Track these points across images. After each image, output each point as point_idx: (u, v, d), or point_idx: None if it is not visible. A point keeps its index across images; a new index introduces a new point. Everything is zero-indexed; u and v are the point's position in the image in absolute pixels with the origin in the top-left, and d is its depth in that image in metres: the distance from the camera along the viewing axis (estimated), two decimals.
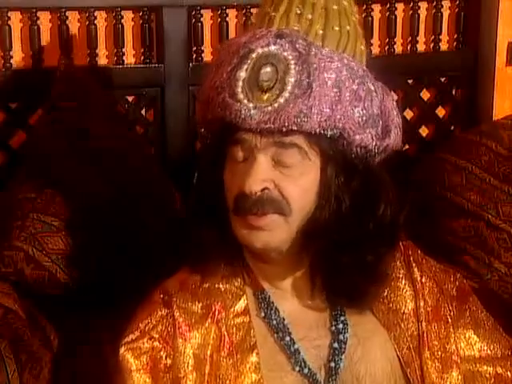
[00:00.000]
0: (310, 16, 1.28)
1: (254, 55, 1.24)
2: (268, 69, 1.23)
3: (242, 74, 1.24)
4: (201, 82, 2.14)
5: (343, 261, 1.29)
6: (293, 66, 1.23)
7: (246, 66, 1.24)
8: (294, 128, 1.22)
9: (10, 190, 1.88)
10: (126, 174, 1.88)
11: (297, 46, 1.24)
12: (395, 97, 1.35)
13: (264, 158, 1.25)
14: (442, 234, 2.07)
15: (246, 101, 1.23)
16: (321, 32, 1.27)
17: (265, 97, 1.23)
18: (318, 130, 1.23)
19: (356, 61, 1.29)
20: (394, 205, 1.31)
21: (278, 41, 1.24)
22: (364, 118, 1.26)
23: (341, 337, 1.33)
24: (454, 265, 1.94)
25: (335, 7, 1.30)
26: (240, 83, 1.24)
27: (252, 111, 1.23)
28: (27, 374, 1.60)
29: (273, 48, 1.24)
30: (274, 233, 1.27)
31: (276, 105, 1.22)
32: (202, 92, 1.33)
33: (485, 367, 1.39)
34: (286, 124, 1.22)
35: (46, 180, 1.83)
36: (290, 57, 1.24)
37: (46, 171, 1.84)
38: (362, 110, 1.26)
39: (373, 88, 1.28)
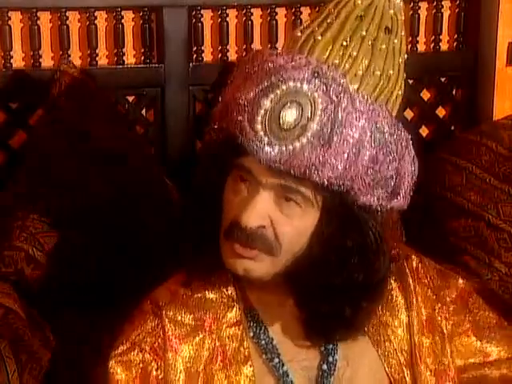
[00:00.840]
0: (354, 53, 1.24)
1: (284, 87, 1.20)
2: (293, 110, 1.19)
3: (267, 103, 1.20)
4: (201, 82, 2.17)
5: (321, 308, 1.28)
6: (319, 113, 1.19)
7: (272, 96, 1.20)
8: (303, 176, 1.20)
9: (9, 189, 1.88)
10: (126, 174, 1.88)
11: (330, 91, 1.20)
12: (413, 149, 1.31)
13: (267, 194, 1.23)
14: (442, 234, 2.07)
15: (262, 133, 1.20)
16: (360, 73, 1.23)
17: (283, 135, 1.19)
18: (326, 184, 1.20)
19: (386, 113, 1.25)
20: (384, 265, 1.29)
21: (313, 80, 1.20)
22: (376, 180, 1.23)
23: (330, 358, 1.32)
24: (454, 265, 1.94)
25: (383, 46, 1.26)
26: (262, 112, 1.20)
27: (266, 147, 1.20)
28: (27, 375, 1.60)
29: (305, 87, 1.19)
30: (258, 264, 1.26)
31: (291, 147, 1.19)
32: (225, 94, 1.30)
33: (490, 370, 1.38)
34: (297, 171, 1.19)
35: (46, 180, 1.82)
36: (320, 100, 1.19)
37: (46, 171, 1.84)
38: (375, 172, 1.22)
39: (394, 148, 1.24)
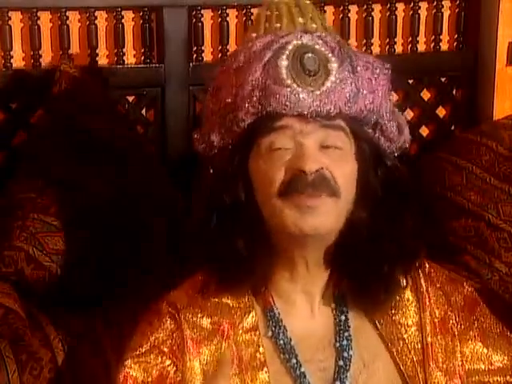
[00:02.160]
0: (314, 25, 1.32)
1: (290, 46, 1.26)
2: (310, 55, 1.25)
3: (284, 62, 1.25)
4: (201, 81, 2.17)
5: (375, 254, 1.30)
6: (330, 55, 1.26)
7: (285, 56, 1.25)
8: (344, 111, 1.25)
9: (10, 189, 1.88)
10: (127, 174, 1.88)
11: (327, 40, 1.28)
12: (395, 97, 1.39)
13: (312, 142, 1.26)
14: (442, 233, 2.07)
15: (294, 85, 1.24)
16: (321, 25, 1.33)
17: (312, 81, 1.25)
18: (362, 114, 1.27)
19: None
20: (413, 218, 1.33)
21: (307, 35, 1.27)
22: (392, 108, 1.31)
23: (345, 354, 1.32)
24: (454, 265, 1.94)
25: (327, 24, 1.36)
26: (284, 70, 1.25)
27: (302, 95, 1.24)
28: (27, 374, 1.60)
29: (306, 40, 1.27)
30: (325, 216, 1.26)
31: (324, 88, 1.24)
32: (217, 99, 1.32)
33: (495, 378, 1.39)
34: (337, 106, 1.25)
35: (46, 180, 1.82)
36: (323, 48, 1.26)
37: (46, 171, 1.84)
38: (390, 101, 1.31)
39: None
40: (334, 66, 1.25)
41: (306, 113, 1.24)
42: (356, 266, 1.30)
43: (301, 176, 1.24)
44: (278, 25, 1.31)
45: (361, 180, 1.29)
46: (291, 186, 1.25)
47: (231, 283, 1.33)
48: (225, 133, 1.32)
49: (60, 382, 1.64)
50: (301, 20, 1.31)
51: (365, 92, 1.26)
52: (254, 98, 1.26)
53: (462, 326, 1.39)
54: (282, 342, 1.32)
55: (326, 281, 1.33)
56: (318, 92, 1.24)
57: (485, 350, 1.39)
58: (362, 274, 1.30)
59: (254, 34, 1.34)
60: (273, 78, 1.25)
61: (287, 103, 1.24)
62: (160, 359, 1.32)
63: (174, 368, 1.32)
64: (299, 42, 1.26)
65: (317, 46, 1.26)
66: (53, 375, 1.64)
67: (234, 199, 1.30)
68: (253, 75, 1.26)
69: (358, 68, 1.27)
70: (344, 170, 1.27)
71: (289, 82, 1.24)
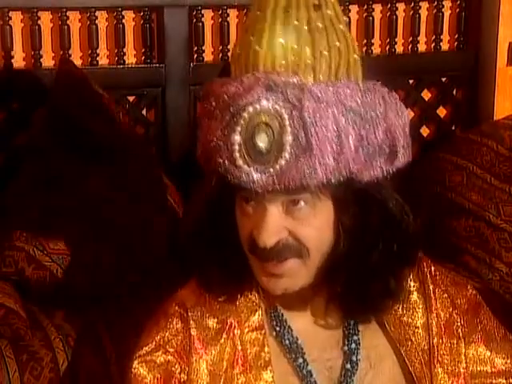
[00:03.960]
0: (295, 46, 1.21)
1: (245, 114, 1.19)
2: (263, 134, 1.18)
3: (237, 138, 1.19)
4: (202, 81, 2.16)
5: (366, 289, 1.27)
6: (288, 123, 1.18)
7: (239, 128, 1.19)
8: (300, 186, 1.19)
9: (10, 189, 1.88)
10: (127, 174, 1.88)
11: (289, 97, 1.18)
12: (396, 96, 1.30)
13: (275, 207, 1.22)
14: (442, 233, 2.07)
15: (246, 166, 1.19)
16: (309, 62, 1.21)
17: (264, 159, 1.19)
18: (325, 182, 1.19)
19: (351, 86, 1.22)
20: (412, 225, 1.28)
21: (269, 95, 1.18)
22: (369, 154, 1.22)
23: (353, 358, 1.31)
24: (455, 265, 1.95)
25: (320, 25, 1.23)
26: (236, 147, 1.19)
27: (254, 176, 1.19)
28: (28, 374, 1.60)
29: (264, 103, 1.18)
30: (294, 279, 1.25)
31: (277, 167, 1.18)
32: (200, 136, 1.27)
33: (498, 380, 1.39)
34: (292, 185, 1.18)
35: (47, 180, 1.82)
36: (283, 110, 1.18)
37: (46, 171, 1.84)
38: (366, 147, 1.21)
39: (374, 114, 1.22)
40: (288, 139, 1.17)
41: (261, 192, 1.20)
42: (347, 295, 1.29)
43: (258, 248, 1.22)
44: (257, 48, 1.22)
45: (339, 224, 1.24)
46: (253, 249, 1.24)
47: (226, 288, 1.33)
48: (209, 168, 1.29)
49: (60, 382, 1.64)
50: (282, 40, 1.21)
51: (324, 163, 1.18)
52: (216, 164, 1.22)
53: (466, 329, 1.38)
54: (287, 341, 1.32)
55: (326, 291, 1.32)
56: (271, 170, 1.18)
57: (488, 353, 1.39)
58: (355, 299, 1.29)
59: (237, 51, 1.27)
60: (227, 154, 1.20)
61: (241, 182, 1.20)
62: (165, 359, 1.32)
63: (179, 368, 1.31)
64: (256, 108, 1.18)
65: (276, 106, 1.18)
66: (53, 375, 1.64)
67: (221, 226, 1.29)
68: (214, 136, 1.21)
69: (313, 141, 1.17)
70: (312, 225, 1.23)
71: (240, 162, 1.19)
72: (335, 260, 1.25)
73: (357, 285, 1.27)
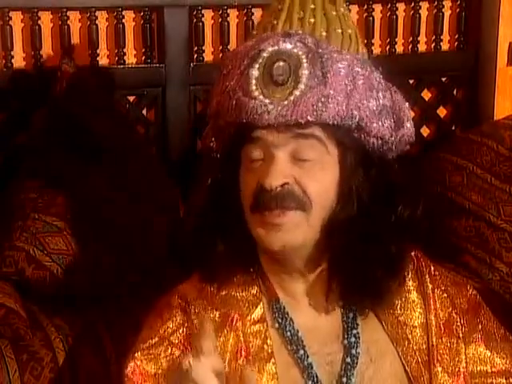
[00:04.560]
0: (312, 20, 1.29)
1: (264, 54, 1.24)
2: (281, 63, 1.24)
3: (255, 73, 1.24)
4: (202, 81, 2.18)
5: (368, 253, 1.28)
6: (304, 60, 1.23)
7: (257, 65, 1.24)
8: (312, 119, 1.22)
9: (10, 189, 1.88)
10: (127, 174, 1.88)
11: (306, 42, 1.25)
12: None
13: (282, 154, 1.24)
14: (442, 233, 2.07)
15: (261, 97, 1.23)
16: (324, 34, 1.28)
17: (280, 91, 1.23)
18: (335, 120, 1.23)
19: (359, 56, 1.30)
20: (411, 196, 1.31)
21: (287, 39, 1.25)
22: (379, 108, 1.27)
23: (353, 351, 1.32)
24: (455, 265, 1.95)
25: (334, 13, 1.31)
26: (253, 81, 1.24)
27: (269, 106, 1.23)
28: (28, 374, 1.60)
29: (282, 46, 1.24)
30: (294, 232, 1.26)
31: (292, 98, 1.22)
32: (211, 103, 1.32)
33: (498, 379, 1.39)
34: (304, 115, 1.22)
35: (47, 180, 1.83)
36: (301, 52, 1.24)
37: (47, 171, 1.84)
38: (375, 99, 1.27)
39: (381, 81, 1.30)
40: (304, 72, 1.23)
41: (274, 124, 1.23)
42: (348, 263, 1.30)
43: (264, 192, 1.24)
44: (275, 22, 1.29)
45: (344, 184, 1.27)
46: (257, 201, 1.25)
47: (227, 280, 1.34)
48: (216, 139, 1.34)
49: (60, 382, 1.65)
50: (299, 15, 1.29)
51: (336, 98, 1.23)
52: (230, 108, 1.26)
53: (466, 329, 1.39)
54: (289, 333, 1.32)
55: (325, 279, 1.33)
56: (285, 102, 1.22)
57: (488, 353, 1.39)
58: (356, 271, 1.29)
59: (254, 32, 1.34)
60: (243, 89, 1.24)
61: (255, 115, 1.23)
62: (170, 350, 1.32)
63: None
64: (275, 49, 1.25)
65: (294, 50, 1.24)
66: (53, 375, 1.64)
67: (225, 206, 1.30)
68: (230, 84, 1.26)
69: (331, 73, 1.23)
70: (318, 179, 1.25)
71: (256, 93, 1.23)
72: (336, 222, 1.27)
73: (357, 250, 1.28)
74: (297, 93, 1.22)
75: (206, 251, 1.32)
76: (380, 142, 1.29)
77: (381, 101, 1.27)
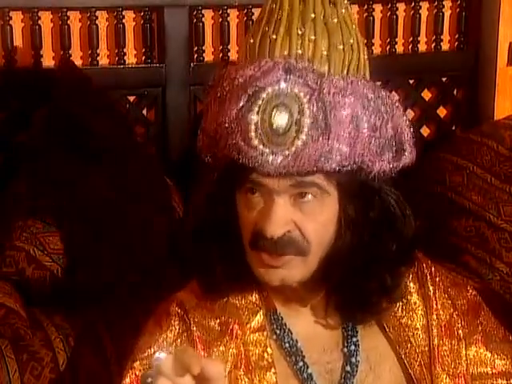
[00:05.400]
0: (312, 37, 1.23)
1: (263, 95, 1.19)
2: (282, 113, 1.19)
3: (254, 118, 1.19)
4: (202, 81, 2.17)
5: (364, 285, 1.27)
6: (307, 106, 1.18)
7: (256, 108, 1.19)
8: (315, 170, 1.19)
9: (10, 189, 1.88)
10: (127, 174, 1.88)
11: (308, 81, 1.19)
12: (396, 96, 1.32)
13: (283, 200, 1.22)
14: (443, 233, 2.07)
15: (261, 146, 1.19)
16: (325, 54, 1.23)
17: (281, 140, 1.18)
18: (338, 168, 1.20)
19: (363, 81, 1.25)
20: (411, 225, 1.29)
21: (288, 77, 1.19)
22: (381, 146, 1.23)
23: (353, 359, 1.31)
24: (455, 265, 1.95)
25: (335, 20, 1.25)
26: (253, 127, 1.19)
27: (269, 157, 1.19)
28: (28, 374, 1.60)
29: (283, 86, 1.19)
30: (291, 271, 1.24)
31: (293, 148, 1.18)
32: (206, 124, 1.28)
33: (499, 380, 1.39)
34: (306, 167, 1.18)
35: (47, 180, 1.82)
36: (302, 94, 1.19)
37: (46, 171, 1.84)
38: (378, 138, 1.23)
39: (383, 109, 1.24)
40: (306, 121, 1.18)
41: (274, 174, 1.19)
42: (345, 290, 1.29)
43: (263, 237, 1.22)
44: (274, 37, 1.23)
45: (343, 219, 1.25)
46: (256, 243, 1.23)
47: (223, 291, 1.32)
48: (211, 159, 1.29)
49: (61, 382, 1.64)
50: (299, 30, 1.23)
51: (339, 149, 1.19)
52: (228, 146, 1.21)
53: (467, 330, 1.38)
54: (287, 344, 1.32)
55: (324, 292, 1.32)
56: (286, 152, 1.18)
57: (488, 354, 1.39)
58: (352, 297, 1.29)
59: (251, 41, 1.28)
60: (241, 134, 1.19)
61: (255, 163, 1.19)
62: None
63: None
64: (275, 89, 1.18)
65: (295, 90, 1.18)
66: (53, 375, 1.64)
67: (222, 222, 1.29)
68: (228, 121, 1.21)
69: (332, 124, 1.18)
70: (318, 220, 1.23)
71: (256, 142, 1.19)
72: (333, 254, 1.26)
73: (353, 281, 1.27)
74: (299, 143, 1.18)
75: (205, 256, 1.31)
76: (381, 175, 1.26)
77: (383, 137, 1.23)
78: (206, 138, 1.28)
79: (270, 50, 1.23)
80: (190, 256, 1.34)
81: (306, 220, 1.23)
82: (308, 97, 1.19)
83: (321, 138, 1.18)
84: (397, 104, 1.28)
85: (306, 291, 1.31)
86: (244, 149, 1.20)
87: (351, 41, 1.26)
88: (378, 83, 1.30)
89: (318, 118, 1.18)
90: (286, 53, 1.22)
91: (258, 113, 1.19)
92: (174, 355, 1.03)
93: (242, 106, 1.20)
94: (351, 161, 1.21)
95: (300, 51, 1.23)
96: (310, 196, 1.22)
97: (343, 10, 1.28)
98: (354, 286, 1.28)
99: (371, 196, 1.26)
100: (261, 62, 1.22)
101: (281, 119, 1.18)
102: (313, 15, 1.24)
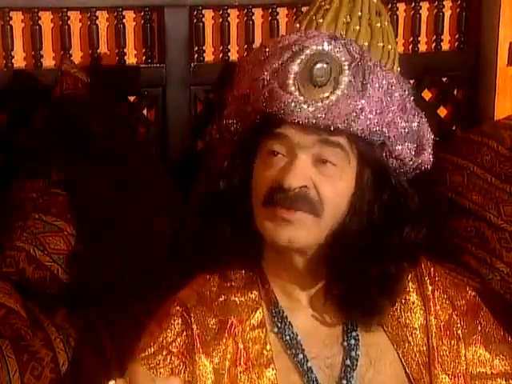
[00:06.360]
0: (357, 27, 1.28)
1: (307, 51, 1.23)
2: (323, 65, 1.22)
3: (295, 68, 1.23)
4: (202, 81, 2.18)
5: (367, 271, 1.28)
6: (347, 67, 1.23)
7: (299, 61, 1.23)
8: (343, 127, 1.22)
9: (10, 189, 1.88)
10: (127, 174, 1.88)
11: (350, 49, 1.24)
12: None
13: (305, 156, 1.24)
14: (443, 233, 2.07)
15: (297, 93, 1.22)
16: (366, 44, 1.28)
17: (317, 92, 1.22)
18: (364, 133, 1.23)
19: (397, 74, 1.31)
20: (420, 222, 1.31)
21: (333, 42, 1.24)
22: (406, 130, 1.27)
23: (352, 353, 1.32)
24: (455, 265, 1.94)
25: (378, 25, 1.31)
26: (292, 75, 1.23)
27: (302, 105, 1.22)
28: (28, 374, 1.60)
29: (327, 47, 1.23)
30: (301, 231, 1.26)
31: (327, 101, 1.22)
32: (238, 86, 1.31)
33: (498, 380, 1.39)
34: (336, 122, 1.21)
35: (47, 180, 1.83)
36: (343, 58, 1.23)
37: (47, 171, 1.84)
38: (405, 121, 1.27)
39: (413, 104, 1.30)
40: (344, 79, 1.22)
41: (303, 123, 1.22)
42: (345, 278, 1.30)
43: (282, 189, 1.24)
44: (321, 20, 1.28)
45: (357, 198, 1.27)
46: (272, 196, 1.25)
47: (229, 278, 1.34)
48: (238, 122, 1.32)
49: (61, 382, 1.65)
50: (346, 19, 1.28)
51: (370, 112, 1.23)
52: (262, 97, 1.25)
53: (466, 330, 1.39)
54: (288, 337, 1.32)
55: (324, 284, 1.33)
56: (319, 104, 1.22)
57: (487, 355, 1.39)
58: (352, 287, 1.30)
59: (297, 25, 1.33)
60: (280, 81, 1.23)
61: (287, 110, 1.22)
62: (169, 359, 1.31)
63: (184, 368, 1.31)
64: (319, 48, 1.23)
65: (338, 54, 1.23)
66: (54, 375, 1.64)
67: (233, 193, 1.31)
68: (267, 72, 1.25)
69: (370, 86, 1.23)
70: (335, 187, 1.25)
71: (292, 88, 1.22)
72: (342, 233, 1.27)
73: (356, 265, 1.28)
74: (333, 98, 1.22)
75: (210, 243, 1.32)
76: (399, 163, 1.29)
77: (410, 124, 1.28)
78: (235, 102, 1.31)
79: (317, 29, 1.29)
80: (191, 249, 1.35)
81: (325, 182, 1.25)
82: (349, 61, 1.23)
83: (355, 97, 1.22)
84: (422, 114, 1.33)
85: (307, 274, 1.32)
86: (279, 94, 1.23)
87: (389, 46, 1.31)
88: None
89: (356, 78, 1.23)
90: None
91: (299, 64, 1.23)
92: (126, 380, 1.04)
93: (285, 60, 1.24)
94: (378, 129, 1.24)
95: (345, 37, 1.27)
96: (330, 164, 1.25)
97: (386, 23, 1.33)
98: (356, 273, 1.28)
99: (387, 178, 1.28)
100: (307, 30, 1.28)
101: (321, 72, 1.22)
102: (359, 13, 1.30)
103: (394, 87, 1.26)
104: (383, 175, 1.28)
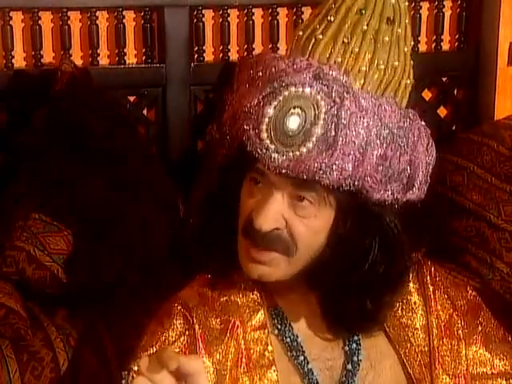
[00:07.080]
0: (356, 49, 1.23)
1: (286, 93, 1.20)
2: (296, 117, 1.19)
3: (270, 111, 1.20)
4: (202, 81, 2.18)
5: (341, 305, 1.28)
6: (322, 116, 1.18)
7: (275, 103, 1.20)
8: (313, 179, 1.19)
9: (10, 189, 1.88)
10: (127, 174, 1.88)
11: (332, 92, 1.19)
12: (428, 131, 1.32)
13: (280, 195, 1.22)
14: (443, 233, 2.07)
15: (268, 141, 1.20)
16: (364, 69, 1.23)
17: (288, 141, 1.19)
18: (338, 185, 1.20)
19: (394, 107, 1.25)
20: (405, 259, 1.28)
21: (315, 83, 1.19)
22: (388, 176, 1.22)
23: (354, 358, 1.32)
24: (455, 265, 1.95)
25: (386, 39, 1.25)
26: (266, 120, 1.20)
27: (273, 154, 1.20)
28: (29, 374, 1.60)
29: (307, 90, 1.19)
30: (272, 269, 1.25)
31: (298, 153, 1.19)
32: (232, 100, 1.29)
33: (498, 380, 1.39)
34: (305, 175, 1.19)
35: (47, 180, 1.83)
36: (323, 103, 1.19)
37: (46, 171, 1.84)
38: (386, 168, 1.21)
39: (405, 141, 1.23)
40: (317, 131, 1.18)
41: (276, 172, 1.20)
42: (329, 303, 1.30)
43: (253, 227, 1.23)
44: (320, 37, 1.23)
45: (336, 231, 1.24)
46: (247, 230, 1.24)
47: (228, 280, 1.33)
48: (231, 133, 1.30)
49: (61, 382, 1.65)
50: (346, 39, 1.23)
51: (342, 167, 1.19)
52: (242, 129, 1.23)
53: (466, 330, 1.39)
54: (288, 339, 1.32)
55: (316, 300, 1.32)
56: (290, 154, 1.19)
57: (488, 355, 1.39)
58: (334, 303, 1.29)
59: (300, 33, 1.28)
60: (255, 124, 1.21)
61: (258, 156, 1.21)
62: None
63: None
64: (298, 91, 1.19)
65: (317, 97, 1.18)
66: (54, 375, 1.64)
67: (226, 209, 1.30)
68: (250, 103, 1.22)
69: (339, 142, 1.18)
70: (309, 226, 1.23)
71: (265, 135, 1.20)
72: (319, 264, 1.26)
73: (333, 298, 1.28)
74: (303, 150, 1.18)
75: (210, 243, 1.32)
76: (381, 204, 1.24)
77: (392, 168, 1.22)
78: (229, 114, 1.29)
79: (313, 48, 1.24)
80: (192, 249, 1.35)
81: (298, 222, 1.23)
82: (327, 108, 1.19)
83: (325, 152, 1.18)
84: (424, 140, 1.28)
85: (297, 291, 1.31)
86: (252, 138, 1.21)
87: (396, 63, 1.27)
88: (413, 112, 1.30)
89: (328, 132, 1.18)
90: (326, 56, 1.23)
91: (274, 108, 1.20)
92: (151, 354, 1.03)
93: (264, 97, 1.21)
94: (351, 182, 1.20)
95: (340, 59, 1.23)
96: (306, 202, 1.22)
97: (399, 30, 1.28)
98: (334, 303, 1.28)
99: (368, 220, 1.25)
100: (296, 59, 1.23)
101: (294, 121, 1.19)
102: (365, 27, 1.24)
103: (371, 139, 1.20)
104: (363, 217, 1.25)
